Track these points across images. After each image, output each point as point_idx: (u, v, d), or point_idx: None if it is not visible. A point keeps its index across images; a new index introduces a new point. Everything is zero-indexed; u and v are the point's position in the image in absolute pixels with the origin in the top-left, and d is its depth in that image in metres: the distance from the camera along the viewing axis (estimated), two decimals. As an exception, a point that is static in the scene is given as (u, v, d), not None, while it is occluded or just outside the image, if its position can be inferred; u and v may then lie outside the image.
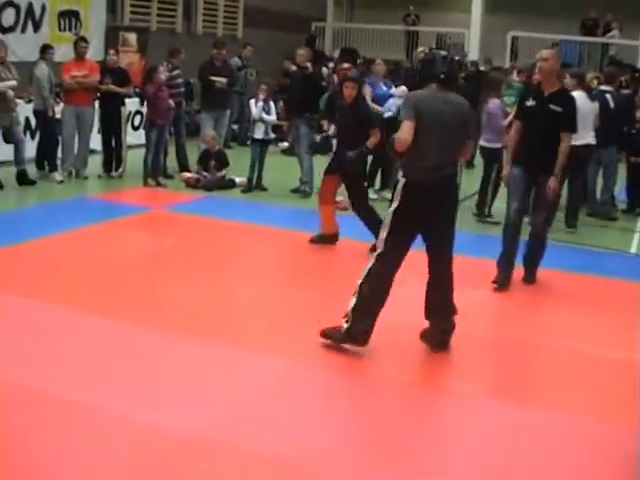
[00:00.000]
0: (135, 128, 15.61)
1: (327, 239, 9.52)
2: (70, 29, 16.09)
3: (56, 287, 7.38)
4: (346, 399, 5.69)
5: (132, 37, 17.50)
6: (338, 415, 5.39)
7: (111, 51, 13.88)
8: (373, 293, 6.14)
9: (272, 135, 12.93)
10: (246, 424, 5.07)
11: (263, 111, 12.36)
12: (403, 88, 12.20)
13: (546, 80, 8.25)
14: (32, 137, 13.37)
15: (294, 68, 13.95)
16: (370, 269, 6.17)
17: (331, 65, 19.21)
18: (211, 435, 4.87)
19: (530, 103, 8.32)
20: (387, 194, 12.27)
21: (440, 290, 6.40)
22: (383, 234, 6.19)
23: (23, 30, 15.06)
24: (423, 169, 6.06)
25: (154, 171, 12.56)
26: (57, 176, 12.51)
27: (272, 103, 12.67)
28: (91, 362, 5.83)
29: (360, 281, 6.17)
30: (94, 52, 15.35)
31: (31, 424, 4.83)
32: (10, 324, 6.47)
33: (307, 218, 10.27)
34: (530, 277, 8.53)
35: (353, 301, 6.17)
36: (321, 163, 12.18)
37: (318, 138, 11.75)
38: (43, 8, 15.59)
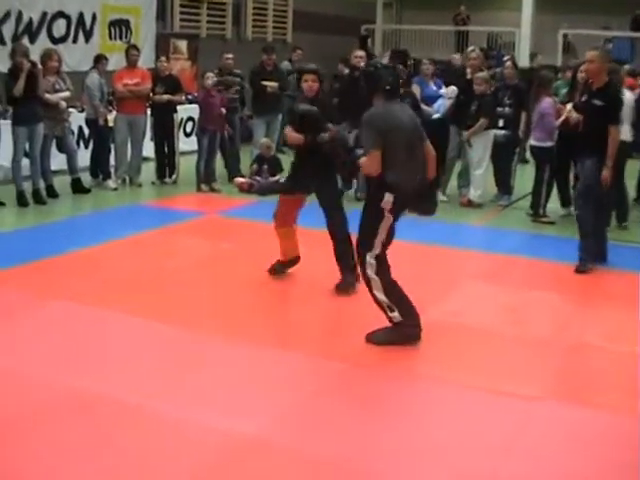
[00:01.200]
0: (187, 135, 15.66)
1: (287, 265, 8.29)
2: (121, 38, 16.22)
3: (113, 294, 7.38)
4: (401, 401, 5.60)
5: (182, 44, 17.61)
6: (397, 417, 5.30)
7: (162, 58, 13.93)
8: (396, 290, 6.44)
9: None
10: (305, 426, 5.04)
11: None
12: (453, 88, 12.08)
13: (594, 78, 8.63)
14: (85, 146, 13.48)
15: (346, 71, 13.84)
16: (379, 275, 6.41)
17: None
18: (271, 437, 4.85)
19: (582, 99, 8.87)
20: (441, 196, 12.17)
21: None
22: (381, 237, 6.36)
23: (74, 40, 15.22)
24: (404, 178, 6.26)
25: (207, 177, 12.56)
26: (111, 184, 12.59)
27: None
28: (150, 367, 5.84)
29: (381, 291, 6.41)
30: (145, 60, 15.42)
31: (93, 429, 4.84)
32: (67, 330, 6.51)
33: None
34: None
35: (387, 302, 6.40)
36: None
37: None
38: (94, 18, 15.74)
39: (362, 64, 12.36)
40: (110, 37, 16.10)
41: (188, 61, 17.51)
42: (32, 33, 14.53)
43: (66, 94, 11.68)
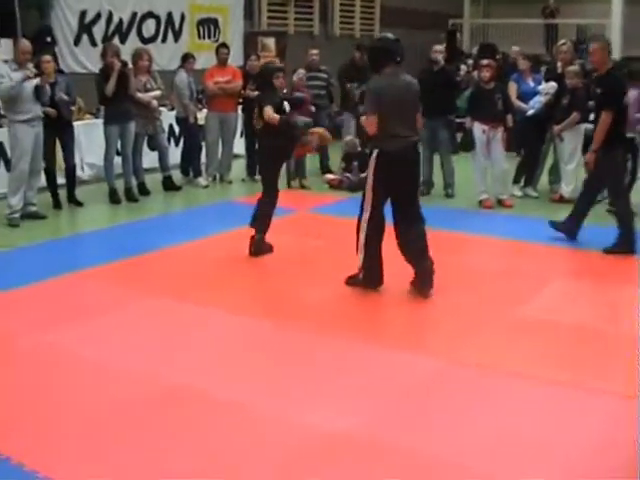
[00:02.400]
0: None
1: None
2: (209, 37, 16.32)
3: (206, 290, 7.41)
4: (496, 398, 5.45)
5: (270, 42, 17.61)
6: (493, 414, 5.16)
7: (252, 56, 13.93)
8: (374, 249, 7.35)
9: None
10: (399, 422, 4.95)
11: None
12: (552, 84, 11.79)
13: (599, 68, 9.08)
14: (176, 144, 13.59)
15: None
16: (367, 237, 7.27)
17: (470, 62, 18.92)
18: (365, 433, 4.77)
19: None
20: (531, 192, 11.96)
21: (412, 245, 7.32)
22: (368, 202, 7.19)
23: (164, 40, 15.35)
24: (392, 139, 7.02)
25: (297, 173, 12.54)
26: (202, 181, 12.67)
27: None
28: (245, 363, 5.83)
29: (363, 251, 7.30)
30: (234, 58, 15.45)
31: (189, 422, 4.85)
32: (163, 326, 6.54)
33: (453, 217, 10.20)
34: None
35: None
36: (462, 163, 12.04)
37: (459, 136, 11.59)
38: (182, 17, 15.87)
39: (440, 58, 12.25)
40: (199, 36, 16.23)
41: (276, 58, 17.51)
42: (122, 33, 14.72)
43: (157, 93, 11.79)
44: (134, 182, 11.63)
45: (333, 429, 4.77)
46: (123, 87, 11.07)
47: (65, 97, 10.62)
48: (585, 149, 11.55)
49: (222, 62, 12.88)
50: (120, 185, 11.40)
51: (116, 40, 14.31)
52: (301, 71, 12.60)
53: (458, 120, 12.66)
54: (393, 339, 6.36)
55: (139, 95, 11.39)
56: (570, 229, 9.29)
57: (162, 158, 12.15)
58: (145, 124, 11.65)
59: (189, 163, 12.87)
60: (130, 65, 11.39)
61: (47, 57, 10.53)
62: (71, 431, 4.76)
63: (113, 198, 11.29)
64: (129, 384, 5.41)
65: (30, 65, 10.05)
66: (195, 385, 5.37)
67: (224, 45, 13.36)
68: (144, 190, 11.77)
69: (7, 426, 4.82)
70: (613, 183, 9.07)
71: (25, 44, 10.27)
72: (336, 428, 4.78)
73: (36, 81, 9.88)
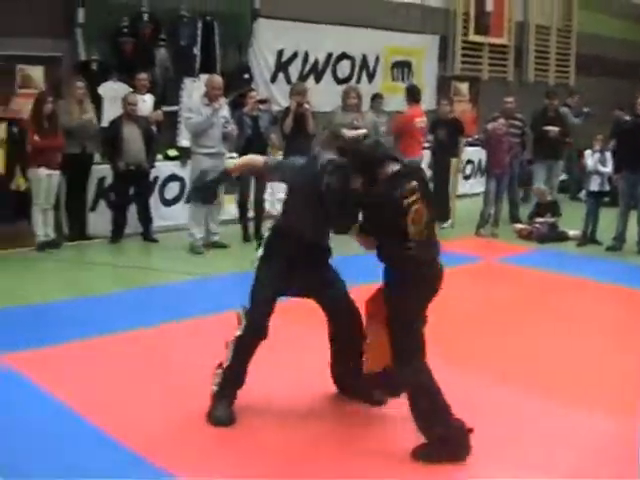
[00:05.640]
0: (466, 177, 15.55)
1: None
2: (403, 79, 16.28)
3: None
4: None
5: (464, 86, 17.49)
6: None
7: (443, 101, 13.82)
8: None
9: (607, 187, 12.23)
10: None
11: (599, 163, 11.82)
12: None
13: None
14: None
15: (627, 118, 13.20)
16: None
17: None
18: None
19: None
20: None
21: None
22: None
23: (358, 81, 15.37)
24: None
25: (494, 221, 12.38)
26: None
27: (608, 154, 12.02)
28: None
29: None
30: (426, 102, 15.46)
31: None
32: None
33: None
34: None
35: None
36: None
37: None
38: (377, 60, 15.93)
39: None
40: (392, 78, 16.25)
41: (469, 103, 17.39)
42: (317, 73, 14.94)
43: (362, 132, 11.59)
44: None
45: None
46: (300, 125, 11.16)
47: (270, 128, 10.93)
48: None
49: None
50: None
51: (311, 79, 14.53)
52: (502, 120, 12.37)
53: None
54: (582, 397, 6.02)
55: (344, 131, 11.20)
56: None
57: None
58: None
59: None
60: (306, 105, 11.33)
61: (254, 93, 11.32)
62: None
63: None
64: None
65: (222, 100, 10.33)
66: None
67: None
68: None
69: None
70: None
71: (216, 80, 10.60)
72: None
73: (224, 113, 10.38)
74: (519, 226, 12.51)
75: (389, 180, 4.89)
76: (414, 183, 4.86)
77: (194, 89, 12.61)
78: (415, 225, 4.81)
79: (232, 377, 5.36)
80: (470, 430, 4.93)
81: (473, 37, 17.81)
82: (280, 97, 13.92)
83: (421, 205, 4.83)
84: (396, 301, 4.98)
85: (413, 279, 4.92)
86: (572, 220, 12.39)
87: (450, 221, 12.90)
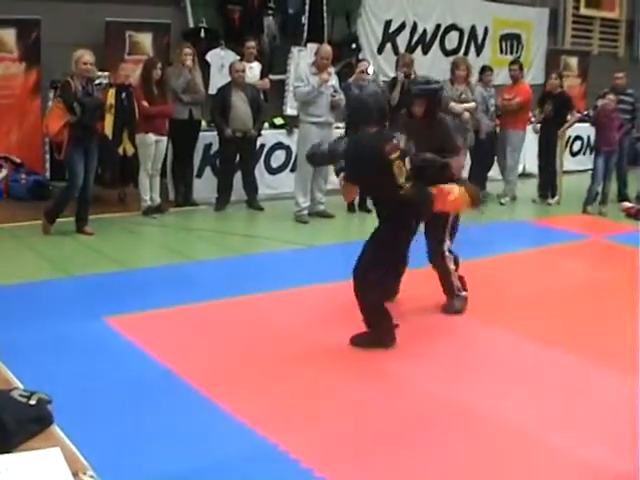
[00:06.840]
0: (573, 154, 15.29)
1: None
2: (511, 52, 16.03)
3: (497, 311, 7.21)
4: None
5: (573, 61, 17.16)
6: None
7: (552, 75, 13.55)
8: None
9: None
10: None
11: None
12: None
13: None
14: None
15: None
16: None
17: None
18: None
19: None
20: None
21: None
22: None
23: (465, 53, 15.20)
24: None
25: (602, 200, 12.14)
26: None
27: None
28: (532, 390, 5.53)
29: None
30: (534, 75, 15.24)
31: (471, 445, 4.67)
32: (453, 344, 6.41)
33: None
34: None
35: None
36: None
37: None
38: (486, 31, 15.70)
39: None
40: (501, 51, 16.02)
41: (578, 78, 17.05)
42: (425, 44, 14.81)
43: (471, 105, 11.49)
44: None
45: (617, 469, 4.45)
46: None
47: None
48: None
49: (513, 80, 12.63)
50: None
51: (418, 51, 14.41)
52: (611, 97, 12.08)
53: None
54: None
55: (452, 105, 11.08)
56: None
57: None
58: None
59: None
60: (414, 76, 11.17)
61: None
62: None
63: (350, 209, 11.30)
64: (421, 400, 5.33)
65: (331, 69, 10.32)
66: (482, 407, 5.19)
67: (514, 62, 13.03)
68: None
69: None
70: None
71: (325, 49, 10.58)
72: (619, 467, 4.45)
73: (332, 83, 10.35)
74: (627, 204, 12.25)
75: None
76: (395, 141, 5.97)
77: (301, 58, 12.66)
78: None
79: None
80: (396, 325, 6.06)
81: (584, 10, 17.44)
82: (387, 68, 13.82)
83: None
84: (389, 229, 6.05)
85: (403, 214, 5.99)
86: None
87: (557, 198, 12.70)
